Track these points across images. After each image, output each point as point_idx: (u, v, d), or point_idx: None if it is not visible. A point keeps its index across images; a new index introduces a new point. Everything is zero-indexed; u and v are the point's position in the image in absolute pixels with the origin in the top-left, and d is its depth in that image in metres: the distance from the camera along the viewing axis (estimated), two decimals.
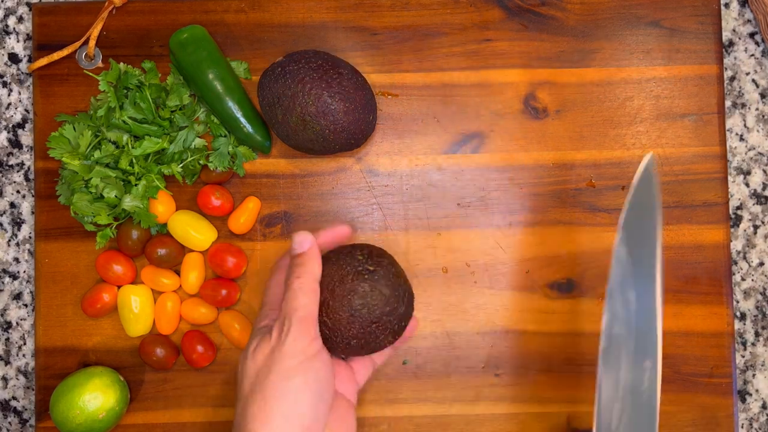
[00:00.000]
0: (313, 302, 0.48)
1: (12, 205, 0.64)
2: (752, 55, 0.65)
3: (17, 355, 0.64)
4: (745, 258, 0.64)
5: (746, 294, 0.64)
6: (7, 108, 0.64)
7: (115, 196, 0.59)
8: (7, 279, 0.64)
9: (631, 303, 0.47)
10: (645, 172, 0.48)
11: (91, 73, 0.62)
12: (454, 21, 0.63)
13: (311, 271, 0.49)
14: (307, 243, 0.50)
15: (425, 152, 0.63)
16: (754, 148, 0.64)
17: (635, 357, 0.47)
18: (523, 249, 0.62)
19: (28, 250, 0.64)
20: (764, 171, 0.64)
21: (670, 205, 0.62)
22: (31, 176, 0.64)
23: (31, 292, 0.64)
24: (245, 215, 0.61)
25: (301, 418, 0.45)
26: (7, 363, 0.64)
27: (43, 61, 0.62)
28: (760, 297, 0.64)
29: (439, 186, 0.63)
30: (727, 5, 0.65)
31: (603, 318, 0.48)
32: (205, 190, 0.61)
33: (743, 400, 0.64)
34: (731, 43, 0.65)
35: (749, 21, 0.65)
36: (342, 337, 0.49)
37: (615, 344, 0.47)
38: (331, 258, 0.51)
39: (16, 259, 0.64)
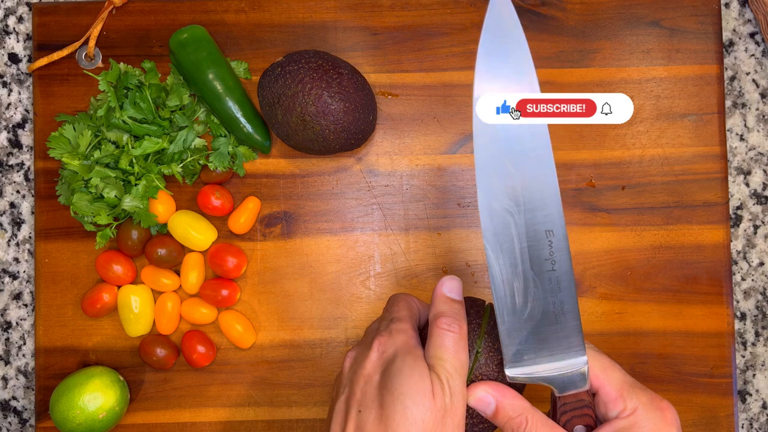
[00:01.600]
0: (466, 352, 0.43)
1: (12, 205, 0.64)
2: (752, 55, 0.65)
3: (17, 355, 0.64)
4: (745, 258, 0.64)
5: (746, 294, 0.64)
6: (7, 108, 0.64)
7: (115, 196, 0.59)
8: (7, 279, 0.64)
9: (512, 177, 0.43)
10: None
11: (91, 73, 0.62)
12: (454, 21, 0.63)
13: (463, 324, 0.44)
14: (459, 291, 0.45)
15: (425, 152, 0.63)
16: (754, 148, 0.64)
17: (527, 228, 0.43)
18: None
19: (28, 250, 0.64)
20: (764, 171, 0.64)
21: (670, 205, 0.62)
22: (31, 176, 0.64)
23: (31, 292, 0.64)
24: (245, 215, 0.61)
25: None
26: (7, 363, 0.64)
27: (43, 61, 0.62)
28: (760, 297, 0.64)
29: (439, 186, 0.63)
30: (727, 5, 0.65)
31: (479, 199, 0.43)
32: (205, 190, 0.61)
33: (743, 400, 0.64)
34: (731, 43, 0.65)
35: (749, 21, 0.65)
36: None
37: (497, 221, 0.43)
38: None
39: (16, 259, 0.64)
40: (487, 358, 0.44)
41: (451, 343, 0.43)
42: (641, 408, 0.42)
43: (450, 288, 0.46)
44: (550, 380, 0.43)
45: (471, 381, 0.44)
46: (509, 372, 0.43)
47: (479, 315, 0.46)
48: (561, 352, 0.43)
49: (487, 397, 0.43)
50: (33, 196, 0.64)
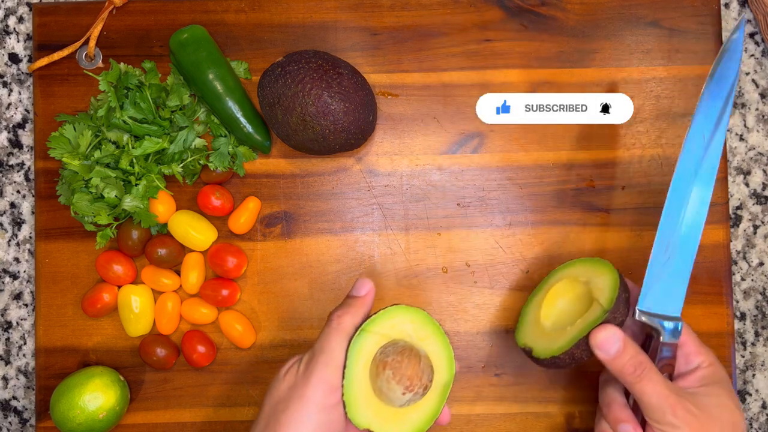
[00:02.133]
0: (343, 347, 0.49)
1: (12, 205, 0.64)
2: (752, 55, 0.65)
3: (17, 355, 0.64)
4: (745, 258, 0.64)
5: (746, 294, 0.64)
6: (8, 108, 0.64)
7: (116, 196, 0.59)
8: (7, 279, 0.64)
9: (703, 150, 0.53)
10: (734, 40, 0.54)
11: (91, 73, 0.62)
12: (454, 21, 0.63)
13: (355, 316, 0.50)
14: (364, 290, 0.52)
15: (425, 152, 0.63)
16: (754, 148, 0.64)
17: (697, 198, 0.54)
18: (523, 249, 0.63)
19: (29, 250, 0.64)
20: (764, 171, 0.64)
21: None
22: (32, 176, 0.64)
23: (31, 292, 0.64)
24: (245, 215, 0.61)
25: None
26: (8, 363, 0.64)
27: (43, 61, 0.62)
28: (759, 297, 0.64)
29: (439, 186, 0.63)
30: (727, 5, 0.65)
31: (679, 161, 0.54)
32: (205, 190, 0.61)
33: (743, 400, 0.64)
34: None
35: (749, 21, 0.65)
36: None
37: (684, 182, 0.54)
38: None
39: (17, 259, 0.64)
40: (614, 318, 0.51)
41: (327, 327, 0.50)
42: (715, 361, 0.53)
43: (358, 286, 0.53)
44: (663, 324, 0.52)
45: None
46: (639, 311, 0.52)
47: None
48: (672, 306, 0.53)
49: (616, 335, 0.50)
50: (33, 196, 0.64)
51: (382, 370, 0.49)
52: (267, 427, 0.47)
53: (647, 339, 0.54)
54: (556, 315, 0.57)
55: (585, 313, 0.53)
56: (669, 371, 0.52)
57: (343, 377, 0.48)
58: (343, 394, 0.48)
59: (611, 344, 0.50)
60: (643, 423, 0.51)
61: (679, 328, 0.52)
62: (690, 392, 0.50)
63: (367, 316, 0.52)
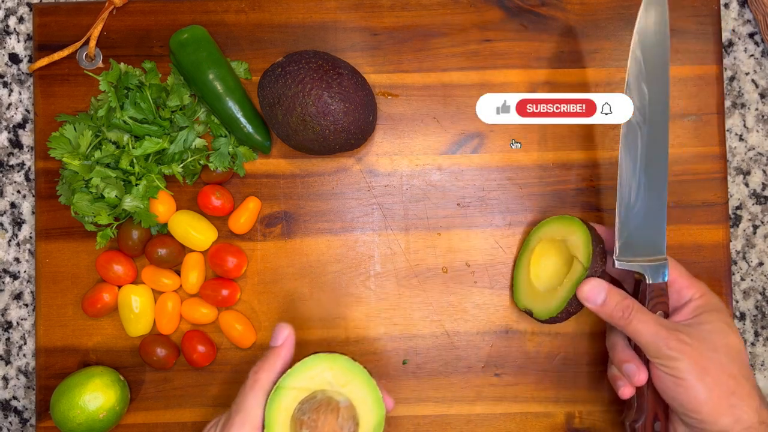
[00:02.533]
0: (260, 404, 0.48)
1: (12, 205, 0.64)
2: (752, 55, 0.65)
3: (18, 355, 0.64)
4: (744, 258, 0.64)
5: (746, 294, 0.64)
6: (8, 108, 0.65)
7: (116, 196, 0.59)
8: (7, 279, 0.64)
9: (644, 96, 0.54)
10: None
11: (91, 74, 0.62)
12: (454, 21, 0.63)
13: (271, 370, 0.49)
14: (281, 338, 0.51)
15: (425, 152, 0.63)
16: (753, 148, 0.64)
17: (648, 141, 0.54)
18: None
19: (29, 250, 0.64)
20: (764, 171, 0.64)
21: (669, 205, 0.62)
22: (32, 176, 0.64)
23: (31, 292, 0.64)
24: (245, 215, 0.62)
25: None
26: (8, 363, 0.64)
27: (43, 62, 0.62)
28: (759, 297, 0.64)
29: (439, 186, 0.63)
30: (726, 5, 0.65)
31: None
32: (205, 190, 0.61)
33: None
34: (731, 44, 0.65)
35: (749, 21, 0.65)
36: None
37: (632, 130, 0.54)
38: None
39: (17, 259, 0.64)
40: (593, 268, 0.54)
41: (244, 386, 0.50)
42: (707, 292, 0.54)
43: (274, 334, 0.52)
44: (644, 269, 0.54)
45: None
46: (618, 261, 0.55)
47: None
48: (652, 248, 0.55)
49: (599, 285, 0.53)
50: (33, 196, 0.64)
51: (299, 431, 0.48)
52: None
53: (637, 283, 0.56)
54: (545, 275, 0.60)
55: (569, 271, 0.57)
56: (663, 309, 0.54)
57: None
58: None
59: (596, 294, 0.53)
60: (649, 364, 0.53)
61: (664, 269, 0.54)
62: (684, 324, 0.52)
63: (288, 366, 0.50)
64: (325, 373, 0.49)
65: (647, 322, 0.51)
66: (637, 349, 0.54)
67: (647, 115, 0.54)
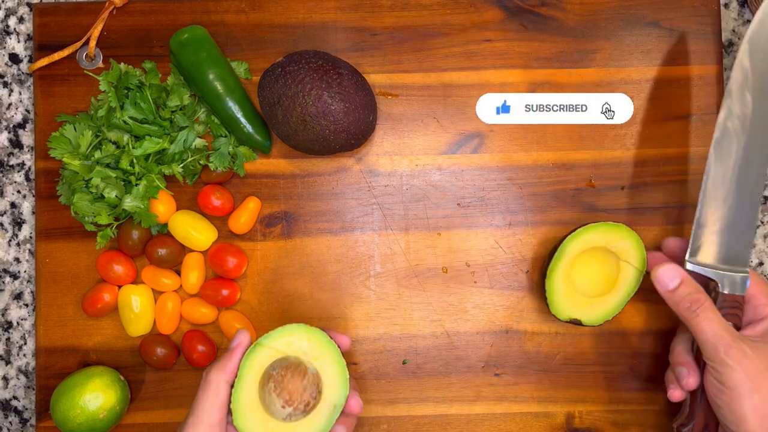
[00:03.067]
0: (214, 406, 0.49)
1: (13, 205, 0.64)
2: None
3: (18, 355, 0.64)
4: None
5: None
6: (8, 108, 0.65)
7: (116, 197, 0.59)
8: (7, 279, 0.64)
9: (747, 105, 0.53)
10: None
11: (91, 74, 0.62)
12: (454, 21, 0.63)
13: (222, 371, 0.50)
14: (235, 342, 0.52)
15: (425, 152, 0.63)
16: None
17: (745, 152, 0.53)
18: (523, 249, 0.63)
19: (29, 250, 0.64)
20: None
21: (669, 205, 0.62)
22: (32, 176, 0.64)
23: (31, 292, 0.64)
24: (245, 215, 0.62)
25: None
26: (8, 363, 0.64)
27: (43, 62, 0.62)
28: None
29: (439, 186, 0.63)
30: (726, 5, 0.65)
31: (720, 113, 0.54)
32: (205, 190, 0.61)
33: None
34: (731, 44, 0.65)
35: (749, 21, 0.65)
36: None
37: (728, 137, 0.53)
38: None
39: (17, 259, 0.64)
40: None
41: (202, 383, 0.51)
42: None
43: (235, 337, 0.53)
44: (721, 277, 0.53)
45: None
46: (690, 263, 0.54)
47: None
48: (734, 259, 0.53)
49: (675, 271, 0.53)
50: (34, 196, 0.64)
51: (266, 383, 0.51)
52: None
53: (706, 288, 0.54)
54: (586, 283, 0.59)
55: (616, 275, 0.58)
56: (735, 321, 0.52)
57: (233, 386, 0.50)
58: (230, 403, 0.50)
59: (670, 279, 0.53)
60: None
61: (744, 281, 0.52)
62: (751, 339, 0.51)
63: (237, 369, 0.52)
64: (302, 343, 0.52)
65: (713, 321, 0.50)
66: (696, 357, 0.53)
67: (748, 126, 0.53)
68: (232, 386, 0.50)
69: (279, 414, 0.50)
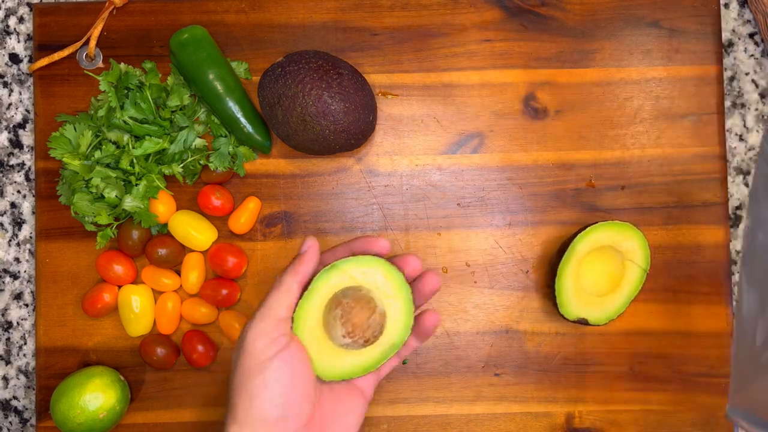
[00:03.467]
0: (282, 305, 0.48)
1: (13, 205, 0.64)
2: (752, 55, 0.65)
3: (18, 355, 0.64)
4: None
5: None
6: (8, 108, 0.65)
7: (116, 197, 0.59)
8: (7, 279, 0.64)
9: None
10: None
11: (91, 74, 0.62)
12: (454, 21, 0.63)
13: (295, 274, 0.49)
14: (305, 246, 0.50)
15: (425, 152, 0.63)
16: (753, 148, 0.64)
17: None
18: (523, 249, 0.63)
19: (29, 250, 0.64)
20: None
21: (669, 205, 0.62)
22: (32, 176, 0.64)
23: (31, 292, 0.64)
24: (245, 215, 0.62)
25: (263, 413, 0.45)
26: (8, 363, 0.64)
27: (43, 62, 0.62)
28: None
29: (439, 186, 0.63)
30: (726, 5, 0.65)
31: (744, 223, 0.42)
32: (205, 190, 0.61)
33: None
34: (731, 44, 0.65)
35: (749, 21, 0.65)
36: None
37: (761, 252, 0.40)
38: None
39: (17, 259, 0.64)
40: None
41: (272, 287, 0.49)
42: None
43: (304, 244, 0.50)
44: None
45: None
46: (732, 411, 0.40)
47: None
48: None
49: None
50: (34, 196, 0.64)
51: (334, 308, 0.49)
52: (228, 395, 0.47)
53: None
54: (592, 282, 0.60)
55: (621, 275, 0.59)
56: None
57: (301, 296, 0.49)
58: (295, 310, 0.49)
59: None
60: None
61: None
62: None
63: (313, 273, 0.51)
64: (378, 277, 0.50)
65: None
66: None
67: None
68: (303, 290, 0.49)
69: (337, 340, 0.49)
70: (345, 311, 0.49)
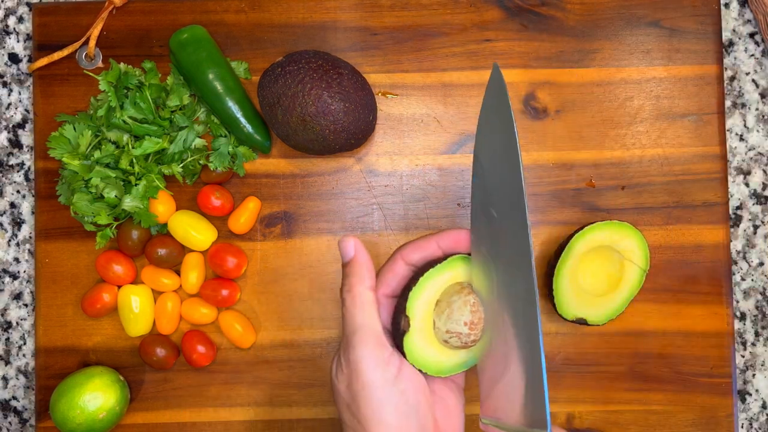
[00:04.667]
0: (372, 316, 0.44)
1: (12, 205, 0.64)
2: (752, 55, 0.65)
3: (17, 355, 0.64)
4: (745, 258, 0.64)
5: (746, 294, 0.64)
6: (8, 108, 0.64)
7: (115, 196, 0.59)
8: (7, 279, 0.64)
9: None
10: (493, 79, 0.44)
11: (91, 73, 0.62)
12: (454, 21, 0.63)
13: (361, 281, 0.45)
14: (350, 249, 0.46)
15: (425, 152, 0.63)
16: (754, 148, 0.64)
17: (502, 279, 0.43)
18: None
19: (29, 250, 0.64)
20: (764, 171, 0.64)
21: (669, 205, 0.62)
22: (32, 176, 0.64)
23: (31, 292, 0.64)
24: (245, 215, 0.61)
25: None
26: (8, 363, 0.64)
27: (43, 61, 0.62)
28: (759, 297, 0.64)
29: (439, 186, 0.63)
30: (727, 5, 0.65)
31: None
32: (205, 190, 0.61)
33: (743, 400, 0.64)
34: (731, 43, 0.65)
35: (749, 21, 0.65)
36: None
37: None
38: None
39: (17, 259, 0.64)
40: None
41: (344, 311, 0.45)
42: None
43: (342, 250, 0.47)
44: None
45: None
46: (483, 419, 0.44)
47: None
48: (529, 420, 0.40)
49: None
50: (33, 196, 0.64)
51: (461, 305, 0.45)
52: (353, 428, 0.43)
53: None
54: (591, 282, 0.60)
55: (620, 275, 0.59)
56: None
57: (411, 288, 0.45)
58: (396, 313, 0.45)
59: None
60: None
61: None
62: None
63: (374, 273, 0.46)
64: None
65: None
66: None
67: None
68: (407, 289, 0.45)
69: (447, 336, 0.45)
70: (448, 305, 0.45)
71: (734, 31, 0.65)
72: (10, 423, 0.64)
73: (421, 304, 0.45)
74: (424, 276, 0.45)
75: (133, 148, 0.59)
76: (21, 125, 0.64)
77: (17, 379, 0.64)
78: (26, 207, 0.64)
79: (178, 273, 0.62)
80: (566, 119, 0.63)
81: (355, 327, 0.44)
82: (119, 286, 0.61)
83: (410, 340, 0.44)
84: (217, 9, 0.63)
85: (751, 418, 0.64)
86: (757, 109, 0.64)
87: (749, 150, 0.64)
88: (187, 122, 0.61)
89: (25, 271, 0.64)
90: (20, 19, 0.65)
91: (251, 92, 0.62)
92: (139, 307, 0.60)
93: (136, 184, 0.59)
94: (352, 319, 0.44)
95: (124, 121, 0.59)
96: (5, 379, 0.64)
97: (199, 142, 0.61)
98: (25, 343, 0.64)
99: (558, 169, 0.63)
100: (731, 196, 0.64)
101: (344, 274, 0.46)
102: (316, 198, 0.63)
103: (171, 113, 0.61)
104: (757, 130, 0.64)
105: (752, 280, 0.64)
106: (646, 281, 0.61)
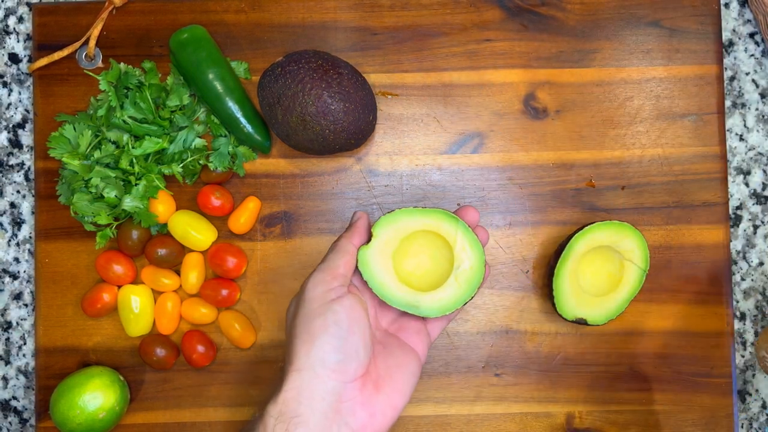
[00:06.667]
0: (341, 260, 0.49)
1: (12, 205, 0.64)
2: (752, 55, 0.65)
3: (17, 355, 0.64)
4: (745, 258, 0.64)
5: (746, 294, 0.64)
6: (8, 108, 0.64)
7: (115, 196, 0.59)
8: (7, 279, 0.64)
9: None
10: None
11: (91, 73, 0.62)
12: (454, 21, 0.63)
13: (351, 237, 0.51)
14: (357, 218, 0.53)
15: (425, 152, 0.63)
16: (753, 148, 0.64)
17: None
18: (523, 249, 0.63)
19: (29, 250, 0.64)
20: (764, 171, 0.64)
21: (669, 205, 0.62)
22: (32, 176, 0.64)
23: (31, 292, 0.64)
24: (245, 215, 0.61)
25: (323, 356, 0.46)
26: (8, 363, 0.64)
27: (43, 61, 0.62)
28: (759, 297, 0.64)
29: (439, 186, 0.63)
30: (727, 5, 0.65)
31: None
32: (205, 190, 0.61)
33: (743, 400, 0.64)
34: (731, 43, 0.65)
35: (749, 21, 0.65)
36: None
37: None
38: None
39: (17, 259, 0.64)
40: None
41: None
42: None
43: (355, 215, 0.53)
44: None
45: None
46: None
47: None
48: None
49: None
50: (33, 196, 0.64)
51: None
52: (287, 342, 0.48)
53: None
54: (591, 281, 0.60)
55: (620, 275, 0.59)
56: None
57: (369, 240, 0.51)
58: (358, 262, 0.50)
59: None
60: None
61: None
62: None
63: (365, 238, 0.52)
64: (459, 235, 0.51)
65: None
66: None
67: None
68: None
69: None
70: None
71: (734, 31, 0.65)
72: (10, 423, 0.64)
73: (390, 230, 0.51)
74: (403, 209, 0.51)
75: (133, 148, 0.59)
76: (21, 125, 0.64)
77: (17, 379, 0.64)
78: (26, 207, 0.64)
79: (178, 273, 0.62)
80: (566, 119, 0.63)
81: (323, 262, 0.50)
82: (119, 286, 0.61)
83: (367, 252, 0.50)
84: (217, 9, 0.63)
85: (751, 418, 0.64)
86: (757, 109, 0.64)
87: (749, 150, 0.64)
88: (187, 122, 0.61)
89: (25, 271, 0.64)
90: (20, 19, 0.65)
91: (251, 92, 0.62)
92: (139, 307, 0.60)
93: (136, 184, 0.59)
94: (324, 259, 0.50)
95: (124, 121, 0.59)
96: (5, 379, 0.64)
97: (199, 142, 0.61)
98: (25, 343, 0.64)
99: (558, 169, 0.63)
100: (731, 196, 0.64)
101: (347, 228, 0.52)
102: (316, 198, 0.63)
103: (171, 113, 0.61)
104: (757, 130, 0.64)
105: (752, 280, 0.64)
106: (646, 281, 0.61)
